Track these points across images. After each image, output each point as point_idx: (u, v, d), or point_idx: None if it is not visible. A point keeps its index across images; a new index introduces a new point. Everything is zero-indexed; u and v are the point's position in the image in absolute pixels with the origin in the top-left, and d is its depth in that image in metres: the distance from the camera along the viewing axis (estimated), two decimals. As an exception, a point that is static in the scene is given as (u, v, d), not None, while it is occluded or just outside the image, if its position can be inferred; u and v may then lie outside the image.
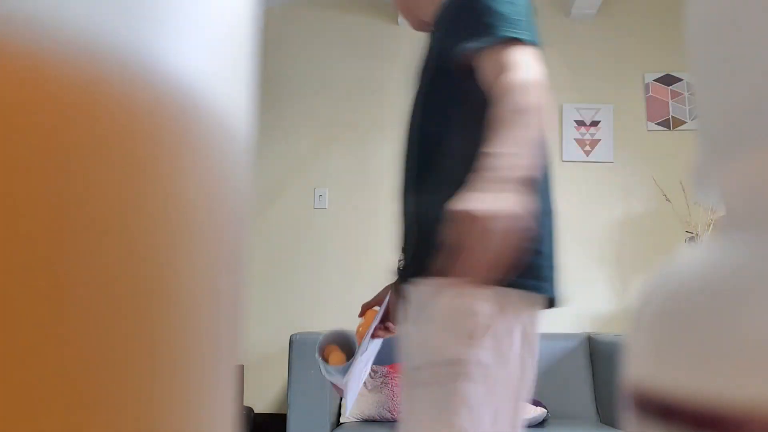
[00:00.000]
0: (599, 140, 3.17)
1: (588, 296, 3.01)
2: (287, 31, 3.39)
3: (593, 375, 2.70)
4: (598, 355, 2.68)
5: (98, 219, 0.10)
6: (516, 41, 0.83)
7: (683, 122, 3.16)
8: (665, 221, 2.98)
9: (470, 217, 0.69)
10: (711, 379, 0.12)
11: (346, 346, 1.01)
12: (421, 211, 0.93)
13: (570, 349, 2.75)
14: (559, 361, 2.73)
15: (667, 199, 2.90)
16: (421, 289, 0.87)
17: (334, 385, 1.01)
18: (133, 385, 0.11)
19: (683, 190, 2.88)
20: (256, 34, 0.17)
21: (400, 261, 0.98)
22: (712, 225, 2.74)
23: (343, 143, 3.26)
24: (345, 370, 0.94)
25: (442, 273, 0.73)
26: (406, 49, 3.35)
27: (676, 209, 2.89)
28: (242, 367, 2.85)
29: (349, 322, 3.33)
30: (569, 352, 2.74)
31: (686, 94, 3.23)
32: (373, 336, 1.02)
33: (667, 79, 3.20)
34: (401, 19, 3.32)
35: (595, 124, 3.19)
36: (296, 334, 2.37)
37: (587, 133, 3.18)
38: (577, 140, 3.17)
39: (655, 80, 3.21)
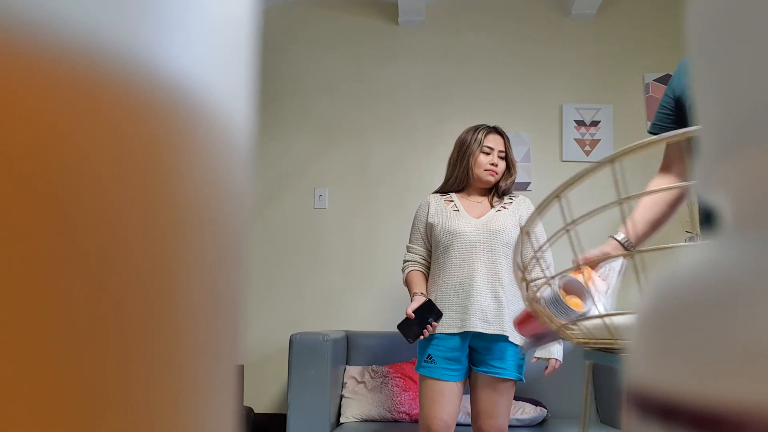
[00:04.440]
0: (599, 140, 3.17)
1: (588, 296, 3.01)
2: (287, 31, 3.39)
3: (593, 375, 2.71)
4: (598, 355, 2.68)
5: (96, 219, 0.10)
6: None
7: (683, 122, 3.16)
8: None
9: None
10: (711, 379, 0.12)
11: (576, 295, 1.08)
12: None
13: (570, 349, 2.75)
14: (559, 361, 2.73)
15: (667, 199, 2.90)
16: None
17: (541, 335, 1.05)
18: (131, 385, 0.11)
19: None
20: (256, 34, 0.17)
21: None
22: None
23: (343, 143, 3.26)
24: (579, 315, 0.99)
25: None
26: (406, 49, 3.35)
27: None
28: (242, 367, 2.85)
29: (348, 322, 3.32)
30: (569, 352, 2.74)
31: (686, 94, 3.23)
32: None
33: (667, 79, 3.20)
34: (401, 19, 3.32)
35: (595, 124, 3.19)
36: (296, 334, 2.37)
37: (587, 133, 3.18)
38: (577, 140, 3.17)
39: (655, 80, 3.21)
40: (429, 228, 1.99)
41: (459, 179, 2.01)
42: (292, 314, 3.09)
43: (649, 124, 3.16)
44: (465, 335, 1.87)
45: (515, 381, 1.89)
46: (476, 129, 2.01)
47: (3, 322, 0.09)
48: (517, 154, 3.22)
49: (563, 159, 3.16)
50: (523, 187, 3.14)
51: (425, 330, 1.85)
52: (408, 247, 2.07)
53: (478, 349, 1.88)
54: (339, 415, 2.56)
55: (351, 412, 2.53)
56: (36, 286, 0.09)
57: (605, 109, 3.20)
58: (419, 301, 1.88)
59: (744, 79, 0.13)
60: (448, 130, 3.05)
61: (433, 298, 1.90)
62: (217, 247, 0.14)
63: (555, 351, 1.89)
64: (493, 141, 1.99)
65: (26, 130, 0.09)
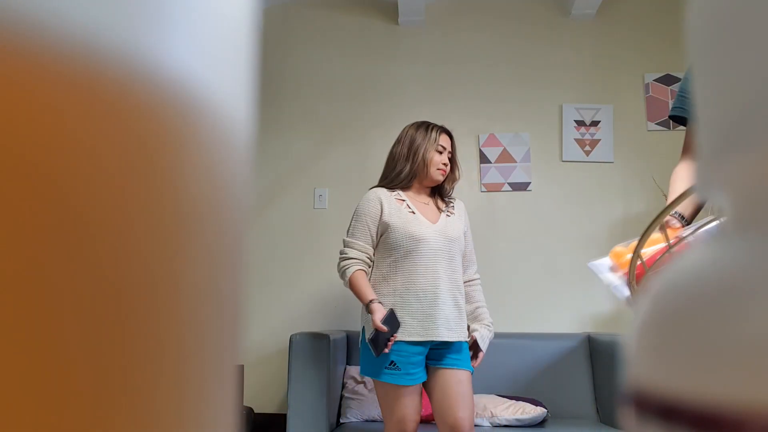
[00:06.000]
0: (599, 140, 3.17)
1: (588, 296, 3.01)
2: (287, 31, 3.39)
3: (593, 375, 2.71)
4: (598, 355, 2.68)
5: (97, 219, 0.10)
6: None
7: (683, 122, 3.16)
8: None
9: None
10: (711, 379, 0.12)
11: None
12: None
13: (570, 349, 2.75)
14: (559, 361, 2.73)
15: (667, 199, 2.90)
16: None
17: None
18: (132, 385, 0.11)
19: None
20: (256, 33, 0.17)
21: None
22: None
23: (343, 143, 3.26)
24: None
25: None
26: (406, 49, 3.35)
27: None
28: (242, 367, 2.85)
29: (348, 322, 3.31)
30: (569, 352, 2.74)
31: (686, 94, 3.22)
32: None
33: (667, 79, 3.20)
34: (401, 19, 3.31)
35: (595, 124, 3.18)
36: (296, 334, 2.37)
37: (587, 133, 3.18)
38: (577, 140, 3.17)
39: (655, 80, 3.21)
40: (383, 227, 1.92)
41: (409, 175, 1.97)
42: (292, 314, 3.09)
43: (649, 123, 3.16)
44: (427, 342, 1.86)
45: (471, 373, 1.92)
46: (428, 126, 2.01)
47: (5, 321, 0.09)
48: (517, 154, 3.22)
49: (563, 159, 3.16)
50: (524, 187, 3.14)
51: (388, 343, 1.78)
52: (349, 243, 1.95)
53: (438, 348, 1.91)
54: (339, 415, 2.56)
55: (351, 412, 2.53)
56: (38, 284, 0.09)
57: (605, 109, 3.19)
58: (382, 311, 1.81)
59: (743, 80, 0.13)
60: (448, 130, 3.05)
61: (390, 304, 1.85)
62: (218, 247, 0.14)
63: (481, 341, 1.94)
64: (444, 141, 2.01)
65: (29, 130, 0.09)
